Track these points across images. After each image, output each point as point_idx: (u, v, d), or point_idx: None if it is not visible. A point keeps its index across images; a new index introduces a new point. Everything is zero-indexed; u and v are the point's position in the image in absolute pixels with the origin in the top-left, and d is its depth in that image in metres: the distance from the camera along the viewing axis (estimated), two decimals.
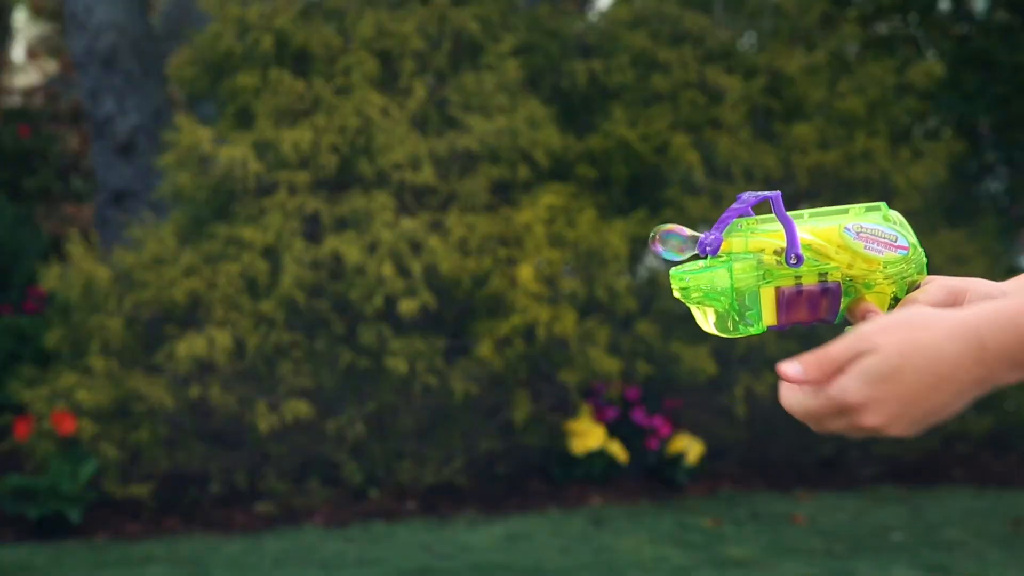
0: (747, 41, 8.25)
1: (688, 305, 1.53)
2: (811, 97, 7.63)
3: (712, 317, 1.52)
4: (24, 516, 6.55)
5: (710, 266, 1.50)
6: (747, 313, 1.51)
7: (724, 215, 1.51)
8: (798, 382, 1.38)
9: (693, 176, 7.44)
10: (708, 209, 7.22)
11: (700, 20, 7.72)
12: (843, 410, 1.38)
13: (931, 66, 8.06)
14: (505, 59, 7.32)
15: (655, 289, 7.46)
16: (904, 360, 1.36)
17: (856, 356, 1.37)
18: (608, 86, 7.66)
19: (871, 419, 1.37)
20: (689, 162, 7.36)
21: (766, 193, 1.49)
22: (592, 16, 9.52)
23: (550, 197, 7.09)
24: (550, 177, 7.35)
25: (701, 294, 1.51)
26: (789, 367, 1.38)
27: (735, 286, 1.50)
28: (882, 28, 9.61)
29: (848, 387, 1.36)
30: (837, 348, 1.37)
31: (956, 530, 6.59)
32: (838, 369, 1.37)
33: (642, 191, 7.60)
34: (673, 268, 1.51)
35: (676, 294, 1.52)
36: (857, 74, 7.82)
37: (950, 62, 8.80)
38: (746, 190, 7.26)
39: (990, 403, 8.03)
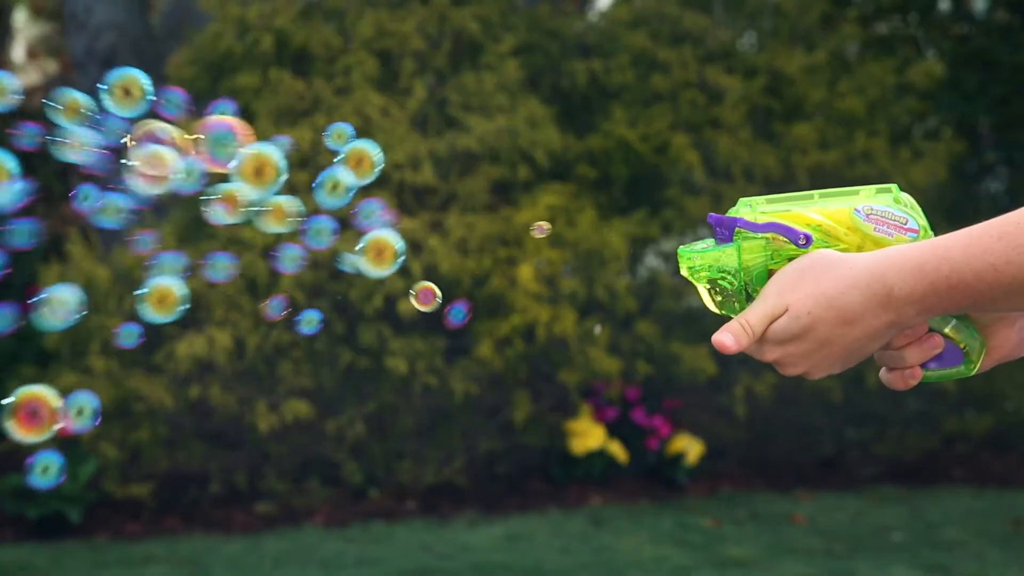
0: (747, 41, 8.25)
1: (695, 284, 1.53)
2: (811, 97, 7.63)
3: (718, 297, 1.52)
4: (24, 516, 6.55)
5: (719, 245, 1.50)
6: (754, 293, 1.51)
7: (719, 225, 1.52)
8: (733, 352, 1.51)
9: (693, 176, 7.44)
10: (708, 209, 7.22)
11: (700, 20, 7.72)
12: (770, 364, 1.51)
13: (931, 66, 8.06)
14: (505, 59, 7.32)
15: (655, 289, 7.46)
16: (812, 317, 1.46)
17: (770, 320, 1.48)
18: (608, 86, 7.66)
19: (792, 371, 1.50)
20: (689, 162, 7.36)
21: (730, 217, 1.51)
22: (592, 16, 9.52)
23: (550, 197, 7.09)
24: (550, 177, 7.35)
25: (708, 273, 1.51)
26: (726, 339, 1.50)
27: (743, 266, 1.50)
28: (882, 28, 9.60)
29: (765, 350, 1.50)
30: (755, 314, 1.49)
31: (956, 530, 6.59)
32: (761, 331, 1.49)
33: (642, 191, 7.59)
34: (681, 247, 1.52)
35: (684, 272, 1.52)
36: (857, 74, 7.82)
37: (950, 62, 8.80)
38: (746, 191, 7.26)
39: (990, 403, 8.03)
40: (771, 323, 1.48)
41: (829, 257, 1.46)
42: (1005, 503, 7.19)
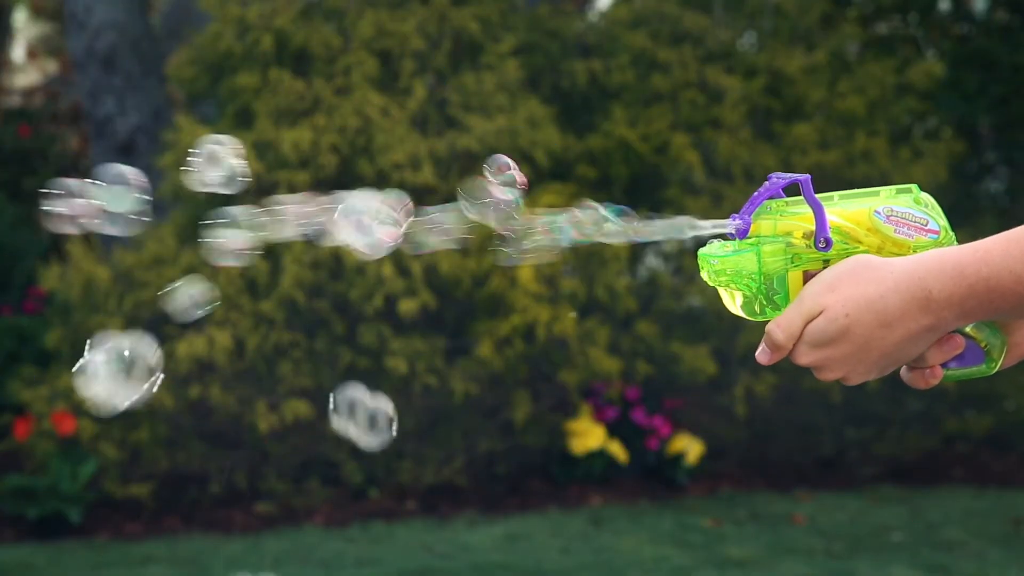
0: (747, 41, 8.25)
1: (716, 287, 1.52)
2: (811, 97, 7.63)
3: (739, 299, 1.51)
4: (24, 516, 6.54)
5: (739, 249, 1.49)
6: (775, 297, 1.50)
7: (753, 197, 1.50)
8: (777, 356, 1.48)
9: (693, 176, 7.44)
10: (708, 209, 7.22)
11: (700, 20, 7.72)
12: (807, 368, 1.49)
13: (931, 66, 8.05)
14: (505, 59, 7.32)
15: (655, 289, 7.46)
16: (851, 319, 1.44)
17: (806, 321, 1.46)
18: (608, 86, 7.66)
19: (828, 375, 1.48)
20: (689, 162, 7.36)
21: (796, 176, 1.49)
22: (592, 16, 9.51)
23: (550, 197, 7.09)
24: (550, 177, 7.35)
25: (729, 277, 1.50)
26: (762, 356, 1.49)
27: (763, 270, 1.49)
28: (882, 28, 9.60)
29: (801, 353, 1.47)
30: (789, 317, 1.47)
31: (956, 530, 6.59)
32: (798, 330, 1.47)
33: (642, 191, 7.59)
34: (701, 250, 1.50)
35: (704, 276, 1.51)
36: (857, 74, 7.82)
37: (950, 62, 8.80)
38: (746, 191, 7.26)
39: (990, 403, 8.03)
40: (807, 324, 1.46)
41: (870, 261, 1.45)
42: (1005, 503, 7.18)
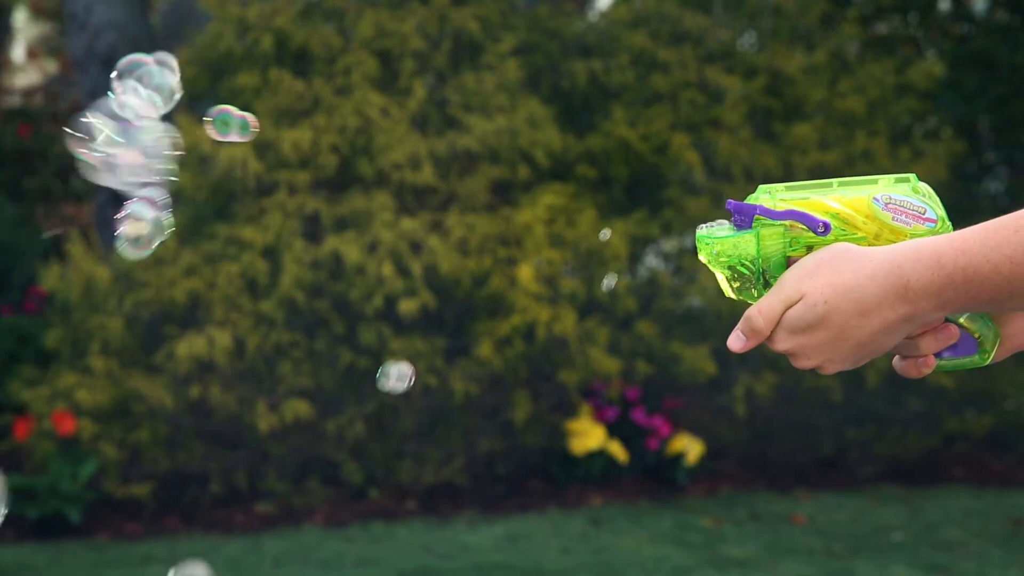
0: (747, 41, 8.25)
1: (712, 270, 1.53)
2: (811, 97, 7.63)
3: (736, 283, 1.52)
4: (24, 516, 6.55)
5: (737, 231, 1.50)
6: (772, 280, 1.50)
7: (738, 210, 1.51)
8: (749, 346, 1.49)
9: (693, 176, 7.44)
10: (708, 209, 7.22)
11: (700, 20, 7.72)
12: (783, 354, 1.49)
13: (931, 66, 8.06)
14: (505, 59, 7.32)
15: (655, 289, 7.46)
16: (828, 306, 1.44)
17: (785, 307, 1.46)
18: (608, 86, 7.66)
19: (805, 363, 1.48)
20: (689, 162, 7.36)
21: (749, 204, 1.50)
22: (592, 16, 9.51)
23: (550, 197, 7.10)
24: (550, 177, 7.35)
25: (727, 260, 1.50)
26: (734, 341, 1.49)
27: (761, 253, 1.49)
28: (882, 28, 9.61)
29: (778, 338, 1.47)
30: (770, 303, 1.47)
31: (956, 530, 6.59)
32: (776, 317, 1.47)
33: (642, 191, 7.60)
34: (700, 232, 1.51)
35: (702, 258, 1.51)
36: (857, 74, 7.82)
37: (950, 62, 8.80)
38: (746, 191, 7.25)
39: (990, 403, 8.03)
40: (786, 310, 1.46)
41: (850, 249, 1.46)
42: (1005, 503, 7.19)
